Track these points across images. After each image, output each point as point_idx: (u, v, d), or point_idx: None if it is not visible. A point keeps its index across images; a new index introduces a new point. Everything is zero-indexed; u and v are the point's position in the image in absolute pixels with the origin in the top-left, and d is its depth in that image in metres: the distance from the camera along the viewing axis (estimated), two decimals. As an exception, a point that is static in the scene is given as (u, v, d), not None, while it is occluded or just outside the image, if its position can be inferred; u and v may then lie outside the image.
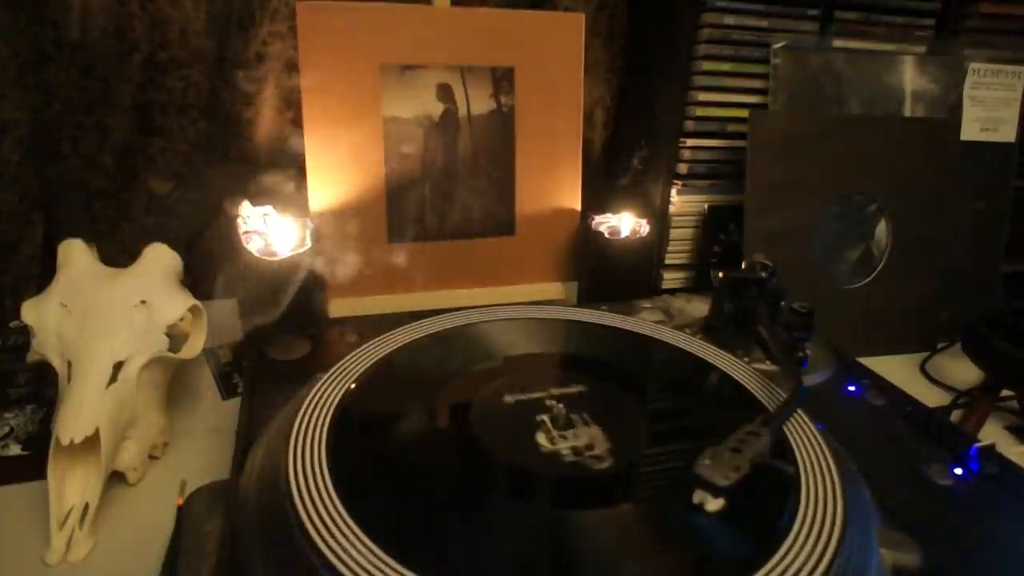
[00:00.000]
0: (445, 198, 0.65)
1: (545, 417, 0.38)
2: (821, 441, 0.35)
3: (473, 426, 0.37)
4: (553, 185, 0.67)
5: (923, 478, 0.36)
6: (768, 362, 0.47)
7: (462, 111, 0.64)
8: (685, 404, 0.43)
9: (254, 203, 0.54)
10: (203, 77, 0.66)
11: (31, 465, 0.42)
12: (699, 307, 0.56)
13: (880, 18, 0.68)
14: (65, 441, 0.37)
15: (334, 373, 0.40)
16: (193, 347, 0.48)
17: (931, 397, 0.58)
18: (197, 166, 0.69)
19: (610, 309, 0.52)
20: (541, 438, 0.36)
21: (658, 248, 0.71)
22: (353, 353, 0.42)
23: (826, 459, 0.34)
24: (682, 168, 0.69)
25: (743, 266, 0.52)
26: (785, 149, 0.64)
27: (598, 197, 0.74)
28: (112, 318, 0.43)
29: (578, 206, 0.68)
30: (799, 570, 0.27)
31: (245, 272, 0.51)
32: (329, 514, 0.28)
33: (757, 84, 0.67)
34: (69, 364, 0.42)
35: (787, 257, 0.59)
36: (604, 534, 0.30)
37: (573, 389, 0.41)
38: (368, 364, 0.41)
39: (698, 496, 0.30)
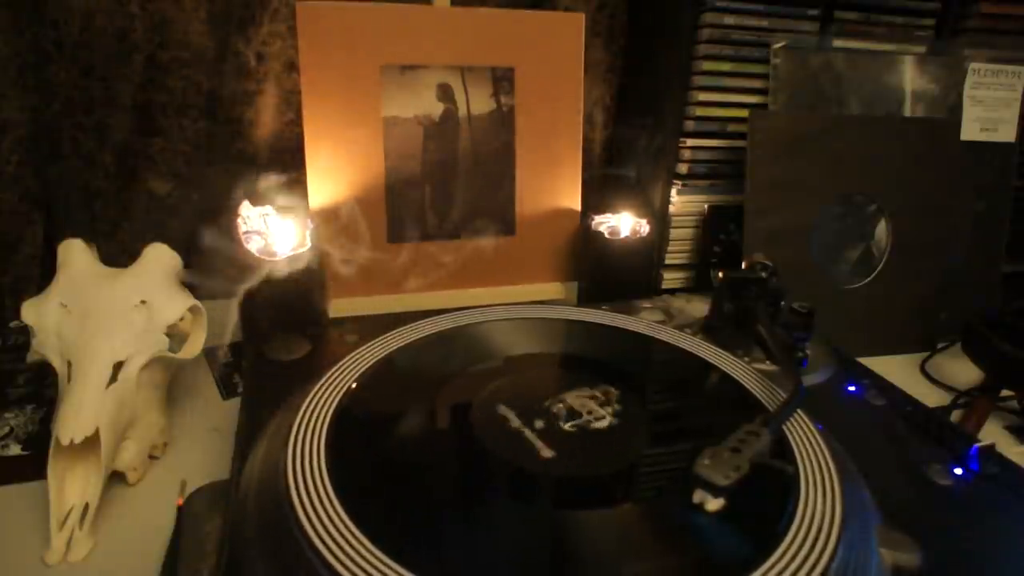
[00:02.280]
0: (445, 198, 0.65)
1: (546, 416, 0.38)
2: (821, 441, 0.35)
3: (473, 426, 0.37)
4: (553, 185, 0.67)
5: (923, 478, 0.36)
6: (768, 362, 0.47)
7: (462, 111, 0.64)
8: (685, 404, 0.43)
9: (254, 203, 0.54)
10: (203, 77, 0.66)
11: (31, 465, 0.42)
12: (699, 307, 0.56)
13: (880, 18, 0.68)
14: (65, 441, 0.37)
15: (334, 373, 0.40)
16: (193, 347, 0.48)
17: (931, 397, 0.58)
18: (197, 166, 0.69)
19: (610, 309, 0.52)
20: (540, 439, 0.36)
21: (658, 248, 0.71)
22: (353, 353, 0.42)
23: (826, 459, 0.34)
24: (682, 168, 0.69)
25: (743, 266, 0.52)
26: (785, 149, 0.64)
27: (598, 197, 0.74)
28: (112, 318, 0.43)
29: (578, 206, 0.68)
30: (798, 570, 0.27)
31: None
32: (328, 514, 0.28)
33: (757, 84, 0.67)
34: (69, 364, 0.42)
35: (787, 257, 0.59)
36: (604, 534, 0.30)
37: (581, 391, 0.41)
38: (368, 364, 0.41)
39: (698, 496, 0.30)
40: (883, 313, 0.66)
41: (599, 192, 0.77)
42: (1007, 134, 0.72)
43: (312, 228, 0.54)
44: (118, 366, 0.42)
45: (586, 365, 0.45)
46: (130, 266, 0.47)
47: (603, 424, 0.38)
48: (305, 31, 0.58)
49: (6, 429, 0.47)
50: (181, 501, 0.37)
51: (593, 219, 0.66)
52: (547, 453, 0.35)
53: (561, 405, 0.39)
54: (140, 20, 0.63)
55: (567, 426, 0.37)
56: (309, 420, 0.35)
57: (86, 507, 0.38)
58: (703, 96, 0.67)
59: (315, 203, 0.61)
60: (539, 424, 0.37)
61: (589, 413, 0.38)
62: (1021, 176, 0.74)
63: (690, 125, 0.68)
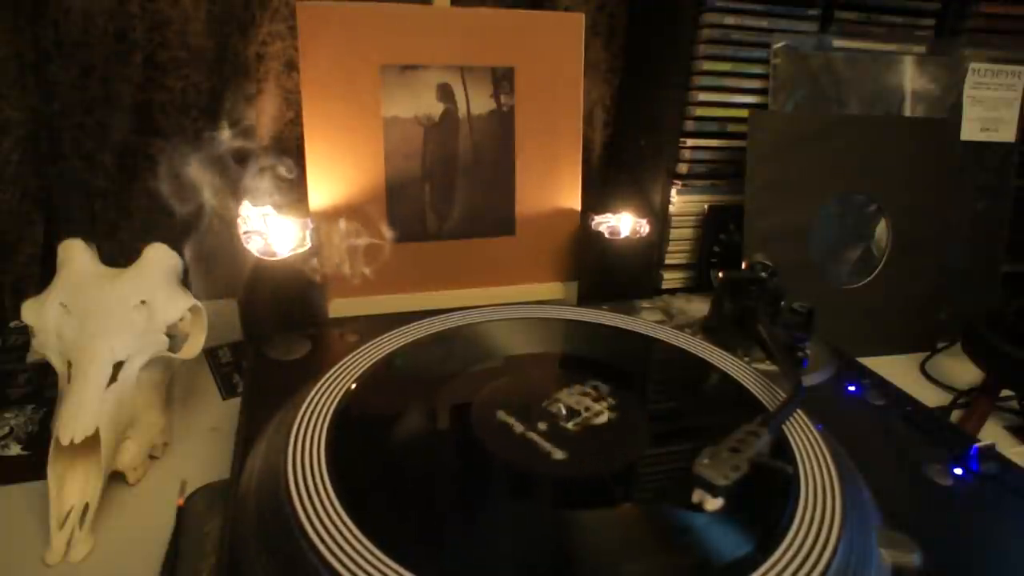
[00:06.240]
0: (445, 198, 0.65)
1: (547, 417, 0.38)
2: (821, 441, 0.35)
3: (473, 426, 0.37)
4: (553, 185, 0.67)
5: (923, 478, 0.36)
6: (768, 362, 0.47)
7: (462, 111, 0.64)
8: (685, 404, 0.43)
9: (254, 203, 0.54)
10: (203, 77, 0.66)
11: (31, 465, 0.42)
12: (699, 307, 0.56)
13: (880, 18, 0.68)
14: (65, 441, 0.37)
15: (334, 373, 0.40)
16: (193, 347, 0.48)
17: (931, 397, 0.58)
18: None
19: (610, 309, 0.52)
20: (546, 440, 0.36)
21: (658, 248, 0.71)
22: (353, 353, 0.42)
23: (826, 459, 0.34)
24: (682, 168, 0.69)
25: (743, 266, 0.52)
26: (785, 149, 0.64)
27: (598, 197, 0.74)
28: (112, 318, 0.43)
29: (578, 206, 0.68)
30: (798, 570, 0.27)
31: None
32: (328, 514, 0.28)
33: (757, 84, 0.67)
34: (69, 364, 0.42)
35: (787, 257, 0.59)
36: (604, 534, 0.30)
37: (573, 389, 0.41)
38: (368, 364, 0.41)
39: (697, 496, 0.30)
40: (883, 313, 0.66)
41: (599, 192, 0.77)
42: (1007, 134, 0.72)
43: (312, 228, 0.54)
44: (118, 366, 0.42)
45: (586, 365, 0.45)
46: (130, 266, 0.47)
47: (603, 420, 0.38)
48: (305, 31, 0.58)
49: (6, 429, 0.47)
50: (181, 501, 0.37)
51: (593, 219, 0.66)
52: (559, 455, 0.35)
53: (560, 405, 0.39)
54: (140, 20, 0.63)
55: (569, 425, 0.37)
56: (309, 420, 0.35)
57: (86, 507, 0.38)
58: (703, 96, 0.67)
59: (315, 203, 0.61)
60: (542, 426, 0.37)
61: (587, 410, 0.38)
62: (1021, 176, 0.74)
63: (690, 125, 0.68)
